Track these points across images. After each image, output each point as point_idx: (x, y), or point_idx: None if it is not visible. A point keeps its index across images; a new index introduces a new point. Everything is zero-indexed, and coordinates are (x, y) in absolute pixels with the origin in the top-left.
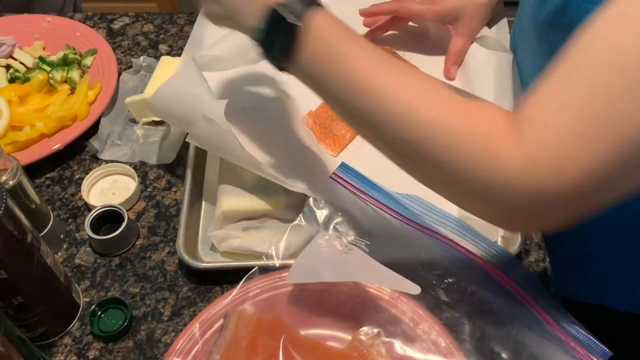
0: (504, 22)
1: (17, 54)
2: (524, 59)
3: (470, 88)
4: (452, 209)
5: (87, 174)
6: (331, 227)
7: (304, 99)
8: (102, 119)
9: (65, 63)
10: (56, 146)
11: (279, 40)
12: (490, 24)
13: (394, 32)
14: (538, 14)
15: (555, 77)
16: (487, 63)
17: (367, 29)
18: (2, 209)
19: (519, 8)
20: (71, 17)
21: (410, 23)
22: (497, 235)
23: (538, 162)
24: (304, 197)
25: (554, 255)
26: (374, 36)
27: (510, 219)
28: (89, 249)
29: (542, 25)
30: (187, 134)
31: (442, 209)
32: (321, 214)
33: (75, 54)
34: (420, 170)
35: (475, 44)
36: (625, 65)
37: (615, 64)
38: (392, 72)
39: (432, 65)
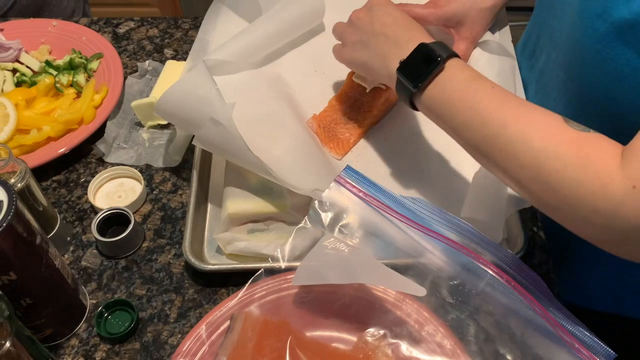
0: (506, 29)
1: (24, 58)
2: (549, 72)
3: None
4: (457, 212)
5: (93, 177)
6: (336, 229)
7: (308, 103)
8: (108, 123)
9: (72, 67)
10: (62, 149)
11: (421, 71)
12: (493, 30)
13: None
14: (592, 29)
15: None
16: (490, 68)
17: None
18: (12, 211)
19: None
20: (77, 22)
21: None
22: (500, 238)
23: None
24: (310, 200)
25: (556, 260)
26: None
27: (619, 245)
28: (95, 251)
29: (600, 39)
30: (193, 137)
31: (446, 212)
32: (326, 216)
33: (81, 58)
34: (534, 194)
35: (478, 49)
36: None
37: None
38: (513, 106)
39: None
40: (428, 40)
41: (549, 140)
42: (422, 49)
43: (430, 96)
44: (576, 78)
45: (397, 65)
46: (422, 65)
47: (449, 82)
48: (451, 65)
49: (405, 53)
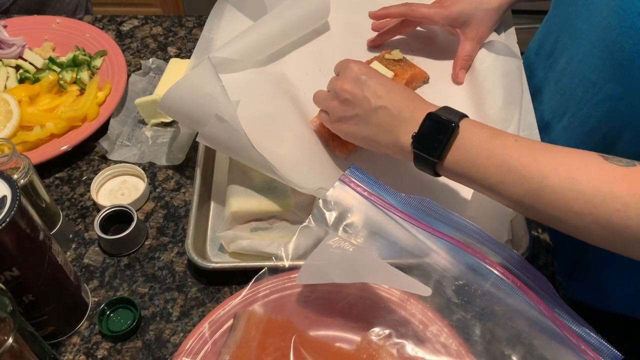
0: (512, 30)
1: (27, 54)
2: (571, 73)
3: (478, 93)
4: (462, 212)
5: (96, 174)
6: (341, 228)
7: (312, 102)
8: (112, 120)
9: (75, 64)
10: (65, 146)
11: (436, 139)
12: (498, 31)
13: (403, 36)
14: (634, 29)
15: None
16: (495, 68)
17: (376, 33)
18: (16, 206)
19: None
20: (80, 19)
21: (418, 27)
22: (506, 237)
23: None
24: (313, 199)
25: (561, 259)
26: (383, 40)
27: None
28: (97, 248)
29: None
30: (196, 135)
31: (451, 212)
32: (330, 215)
33: (84, 55)
34: (598, 237)
35: (483, 49)
36: None
37: None
38: (545, 153)
39: (440, 69)
40: (430, 106)
41: (599, 182)
42: (431, 118)
43: (455, 162)
44: (611, 80)
45: (409, 140)
46: (437, 135)
47: (470, 144)
48: (466, 127)
49: (414, 126)
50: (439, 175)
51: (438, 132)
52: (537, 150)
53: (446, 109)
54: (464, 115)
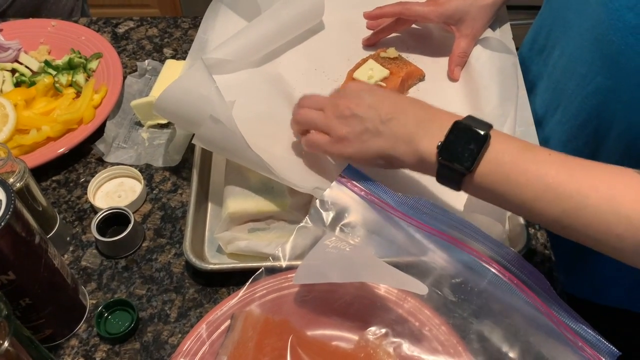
0: (507, 26)
1: (23, 58)
2: (563, 66)
3: (474, 89)
4: (458, 210)
5: (92, 176)
6: (338, 228)
7: None
8: (108, 122)
9: (71, 67)
10: (62, 149)
11: (467, 149)
12: (493, 27)
13: (398, 34)
14: (621, 22)
15: None
16: (491, 65)
17: (371, 32)
18: (11, 210)
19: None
20: (76, 22)
21: (413, 25)
22: (502, 235)
23: None
24: (310, 199)
25: (557, 252)
26: (378, 38)
27: None
28: (95, 251)
29: (631, 32)
30: (193, 136)
31: (448, 210)
32: (328, 215)
33: (80, 57)
34: (638, 258)
35: (478, 46)
36: None
37: None
38: (582, 170)
39: (436, 66)
40: (451, 115)
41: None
42: (460, 126)
43: (486, 175)
44: (600, 72)
45: (432, 149)
46: (468, 145)
47: (502, 156)
48: (496, 138)
49: (438, 135)
50: (460, 190)
51: (468, 141)
52: (574, 166)
53: (472, 118)
54: (490, 125)
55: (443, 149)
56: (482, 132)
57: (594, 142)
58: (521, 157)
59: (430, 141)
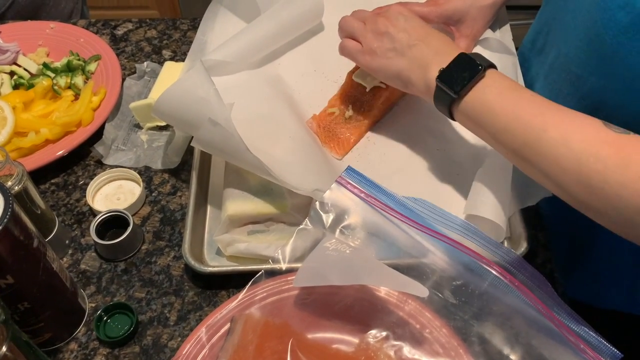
0: (507, 27)
1: (21, 60)
2: (559, 67)
3: None
4: (459, 212)
5: (91, 179)
6: (338, 230)
7: (308, 103)
8: (107, 125)
9: (69, 69)
10: (61, 152)
11: (461, 76)
12: (493, 28)
13: None
14: (613, 21)
15: None
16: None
17: None
18: (9, 214)
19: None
20: (74, 24)
21: None
22: (503, 237)
23: None
24: (310, 201)
25: (555, 255)
26: None
27: None
28: (94, 254)
29: (623, 31)
30: (192, 138)
31: (448, 212)
32: (327, 217)
33: (79, 60)
34: (578, 198)
35: (479, 46)
36: None
37: None
38: (554, 111)
39: None
40: (465, 50)
41: (589, 142)
42: (462, 57)
43: (471, 102)
44: (594, 73)
45: (436, 73)
46: (463, 73)
47: (489, 89)
48: (491, 74)
49: (445, 61)
50: (452, 117)
51: (465, 70)
52: (547, 107)
53: (479, 55)
54: (493, 65)
55: (442, 73)
56: (479, 66)
57: None
58: (505, 92)
59: (437, 68)
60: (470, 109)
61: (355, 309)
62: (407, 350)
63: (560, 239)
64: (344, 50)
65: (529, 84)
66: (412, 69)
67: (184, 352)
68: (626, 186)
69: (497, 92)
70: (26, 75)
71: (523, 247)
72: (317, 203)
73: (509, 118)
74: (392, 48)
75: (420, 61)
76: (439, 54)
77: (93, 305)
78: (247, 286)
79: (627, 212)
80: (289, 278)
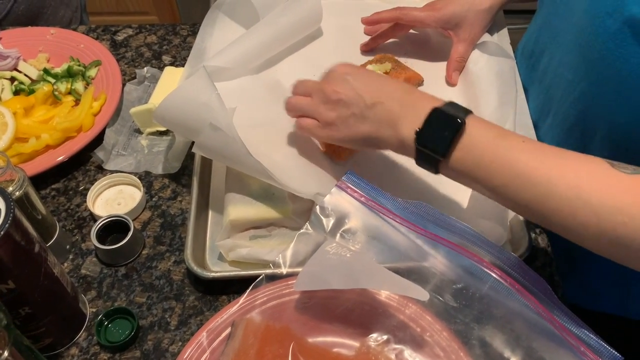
0: (504, 31)
1: (22, 66)
2: (552, 72)
3: (472, 94)
4: (459, 216)
5: (92, 184)
6: (338, 234)
7: None
8: (107, 130)
9: (70, 75)
10: (61, 157)
11: (442, 136)
12: (491, 32)
13: (396, 40)
14: (602, 28)
15: None
16: (489, 69)
17: (369, 37)
18: (10, 219)
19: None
20: (74, 30)
21: (411, 30)
22: (503, 240)
23: None
24: (311, 205)
25: (561, 262)
26: (376, 44)
27: None
28: (95, 259)
29: (611, 37)
30: (192, 143)
31: (448, 216)
32: (328, 221)
33: (79, 65)
34: (603, 249)
35: (477, 50)
36: None
37: None
38: (553, 158)
39: (434, 71)
40: (433, 100)
41: (605, 192)
42: (436, 114)
43: (459, 160)
44: (585, 78)
45: (411, 134)
46: (443, 132)
47: (476, 142)
48: (472, 124)
49: (417, 121)
50: (438, 173)
51: (443, 128)
52: (545, 154)
53: (451, 104)
54: (469, 112)
55: (420, 135)
56: (457, 119)
57: (582, 145)
58: (494, 144)
59: (410, 126)
60: (460, 167)
61: (356, 312)
62: (408, 353)
63: (556, 243)
64: (302, 130)
65: (524, 88)
66: (380, 130)
67: (184, 357)
68: None
69: (486, 145)
70: (27, 81)
71: (523, 250)
72: (318, 207)
73: (507, 173)
74: (350, 115)
75: (387, 120)
76: (404, 107)
77: (94, 310)
78: (248, 290)
79: None
80: (289, 282)
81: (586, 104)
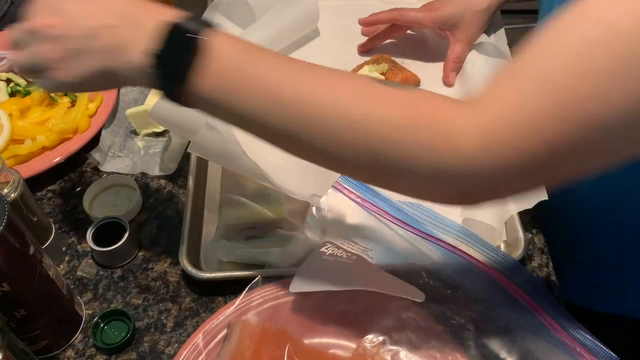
0: (501, 31)
1: None
2: None
3: (469, 94)
4: (455, 216)
5: (88, 186)
6: (334, 235)
7: None
8: (103, 131)
9: None
10: (57, 159)
11: (181, 59)
12: (488, 32)
13: (393, 40)
14: None
15: (533, 51)
16: (486, 69)
17: (366, 38)
18: (4, 221)
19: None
20: None
21: (408, 31)
22: (499, 241)
23: (496, 137)
24: (307, 206)
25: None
26: (373, 44)
27: (468, 197)
28: (91, 261)
29: None
30: (188, 144)
31: (444, 216)
32: (324, 222)
33: None
34: (369, 171)
35: (474, 51)
36: (614, 46)
37: (604, 43)
38: (311, 75)
39: (431, 72)
40: (167, 12)
41: (371, 105)
42: (174, 30)
43: (204, 85)
44: None
45: (142, 59)
46: (181, 51)
47: (222, 63)
48: (216, 42)
49: (147, 40)
50: (188, 105)
51: (181, 48)
52: (299, 69)
53: (194, 17)
54: (210, 25)
55: (155, 58)
56: (197, 37)
57: None
58: (243, 62)
59: (138, 50)
60: (206, 93)
61: (352, 314)
62: (403, 354)
63: (554, 242)
64: (47, 88)
65: None
66: (109, 61)
67: (181, 359)
68: (425, 146)
69: (233, 65)
70: (23, 82)
71: (519, 251)
72: (314, 208)
73: (258, 92)
74: (67, 51)
75: (113, 47)
76: (130, 25)
77: (90, 312)
78: (244, 292)
79: (429, 174)
80: (285, 284)
81: None
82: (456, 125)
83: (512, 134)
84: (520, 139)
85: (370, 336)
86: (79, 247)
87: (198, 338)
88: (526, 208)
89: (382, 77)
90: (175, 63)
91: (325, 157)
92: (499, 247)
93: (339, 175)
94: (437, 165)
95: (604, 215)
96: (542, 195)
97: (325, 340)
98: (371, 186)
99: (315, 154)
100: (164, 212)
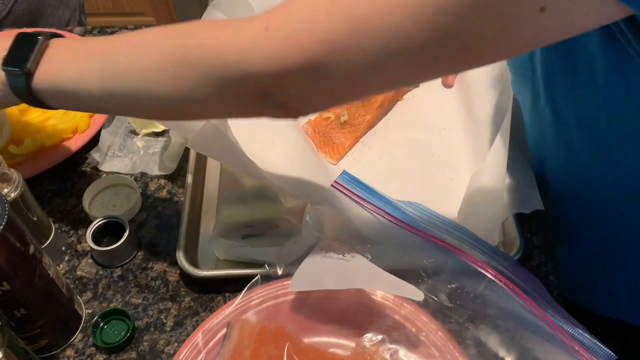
0: None
1: None
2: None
3: (468, 96)
4: (453, 216)
5: (88, 185)
6: (333, 234)
7: None
8: (103, 131)
9: None
10: (57, 159)
11: (23, 53)
12: None
13: None
14: None
15: None
16: (485, 71)
17: None
18: (5, 221)
19: None
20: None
21: None
22: (497, 240)
23: (276, 32)
24: (305, 205)
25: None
26: None
27: (260, 99)
28: (90, 260)
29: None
30: (188, 143)
31: (443, 215)
32: (322, 221)
33: None
34: (150, 109)
35: None
36: None
37: None
38: (122, 37)
39: None
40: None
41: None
42: (21, 36)
43: (44, 75)
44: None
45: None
46: (24, 49)
47: (58, 52)
48: (56, 41)
49: (3, 48)
50: (45, 106)
51: (25, 47)
52: (116, 37)
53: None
54: (55, 35)
55: (5, 60)
56: (38, 35)
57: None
58: (77, 46)
59: None
60: (47, 83)
61: (351, 312)
62: (403, 353)
63: (555, 242)
64: None
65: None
66: None
67: (180, 358)
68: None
69: (71, 50)
70: None
71: (517, 250)
72: (312, 207)
73: (79, 62)
74: None
75: None
76: None
77: (89, 311)
78: (243, 291)
79: (217, 72)
80: (284, 283)
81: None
82: (242, 28)
83: (288, 27)
84: (296, 33)
85: (369, 335)
86: (78, 246)
87: (197, 337)
88: (525, 210)
89: None
90: (17, 59)
91: (141, 101)
92: (497, 246)
93: (337, 174)
94: (225, 63)
95: (603, 215)
96: (538, 205)
97: (324, 339)
98: (370, 185)
99: (138, 101)
100: (163, 211)
